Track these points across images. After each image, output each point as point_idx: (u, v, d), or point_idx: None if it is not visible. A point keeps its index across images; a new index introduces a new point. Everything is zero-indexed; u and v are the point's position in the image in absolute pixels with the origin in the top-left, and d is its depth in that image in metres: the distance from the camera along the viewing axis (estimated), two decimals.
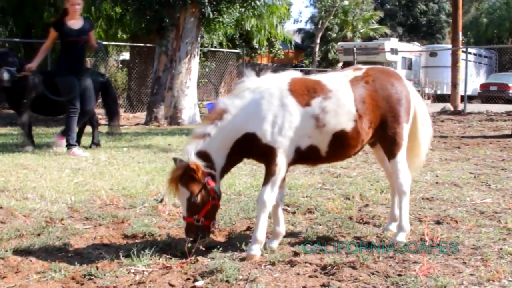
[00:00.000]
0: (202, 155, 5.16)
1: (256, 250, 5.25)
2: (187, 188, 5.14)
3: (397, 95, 5.62)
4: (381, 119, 5.54)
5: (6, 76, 11.56)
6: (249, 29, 24.50)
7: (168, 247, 5.55)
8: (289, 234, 5.81)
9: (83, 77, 11.92)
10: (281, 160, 5.22)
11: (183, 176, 5.13)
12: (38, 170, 9.55)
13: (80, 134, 12.89)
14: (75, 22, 11.77)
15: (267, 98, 5.23)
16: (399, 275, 4.78)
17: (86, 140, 13.16)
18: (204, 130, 5.23)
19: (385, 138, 5.62)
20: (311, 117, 5.28)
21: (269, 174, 5.22)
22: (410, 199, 7.07)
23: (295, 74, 5.63)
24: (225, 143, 5.21)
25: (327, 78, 5.61)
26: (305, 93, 5.35)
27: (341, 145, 5.44)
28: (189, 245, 5.15)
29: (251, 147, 5.21)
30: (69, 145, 11.75)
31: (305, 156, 5.37)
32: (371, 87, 5.53)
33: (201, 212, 5.20)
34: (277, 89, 5.30)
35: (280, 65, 48.97)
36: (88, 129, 13.30)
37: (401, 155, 5.65)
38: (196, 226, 5.20)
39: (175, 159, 5.36)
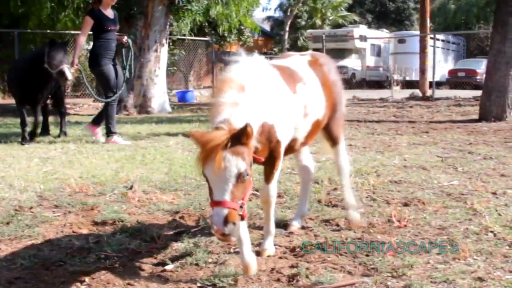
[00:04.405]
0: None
1: (271, 244, 5.01)
2: (240, 159, 3.87)
3: (339, 80, 5.68)
4: (334, 104, 5.48)
5: (69, 74, 11.13)
6: (214, 16, 24.40)
7: (138, 233, 5.57)
8: (258, 218, 5.85)
9: (115, 65, 12.01)
10: (282, 153, 4.78)
11: (233, 142, 3.87)
12: (6, 160, 9.48)
13: (46, 123, 12.85)
14: (109, 11, 11.90)
15: (272, 86, 4.59)
16: (367, 255, 4.85)
17: (53, 130, 13.05)
18: (232, 98, 4.12)
19: (334, 123, 5.58)
20: (301, 106, 4.92)
21: (275, 169, 4.73)
22: (378, 182, 7.35)
23: (262, 58, 4.90)
24: (252, 121, 4.06)
25: (290, 63, 5.27)
26: (290, 80, 4.90)
27: (312, 135, 5.26)
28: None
29: (266, 139, 4.45)
30: (110, 133, 11.77)
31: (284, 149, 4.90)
32: (324, 71, 5.43)
33: (245, 194, 4.02)
34: (272, 76, 4.74)
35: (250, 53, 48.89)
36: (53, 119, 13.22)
37: (343, 138, 5.79)
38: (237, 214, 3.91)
39: (186, 134, 4.12)
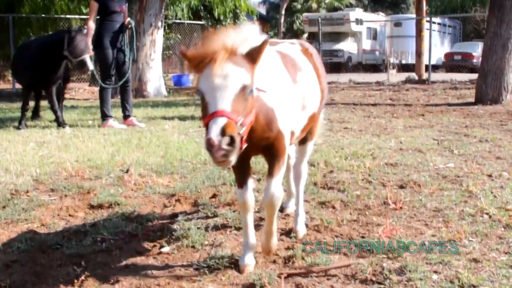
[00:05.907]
0: None
1: (274, 243, 4.45)
2: (244, 71, 3.48)
3: (325, 70, 5.26)
4: (322, 97, 5.04)
5: (91, 65, 11.14)
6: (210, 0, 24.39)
7: (134, 216, 5.59)
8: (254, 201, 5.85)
9: (121, 48, 11.96)
10: (287, 148, 4.26)
11: (249, 52, 3.56)
12: (2, 144, 9.47)
13: (37, 107, 12.86)
14: None
15: (275, 72, 4.16)
16: (362, 237, 4.87)
17: (49, 114, 13.02)
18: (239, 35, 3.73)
19: (318, 115, 5.08)
20: (300, 98, 4.46)
21: (281, 164, 4.14)
22: (374, 164, 7.43)
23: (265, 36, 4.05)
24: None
25: (286, 49, 4.78)
26: (292, 69, 4.46)
27: (305, 130, 4.76)
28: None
29: (266, 123, 3.95)
30: (105, 116, 11.80)
31: None
32: (315, 61, 5.04)
33: (247, 115, 3.53)
34: (275, 61, 4.31)
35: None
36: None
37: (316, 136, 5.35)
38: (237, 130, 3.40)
39: (181, 53, 3.81)
